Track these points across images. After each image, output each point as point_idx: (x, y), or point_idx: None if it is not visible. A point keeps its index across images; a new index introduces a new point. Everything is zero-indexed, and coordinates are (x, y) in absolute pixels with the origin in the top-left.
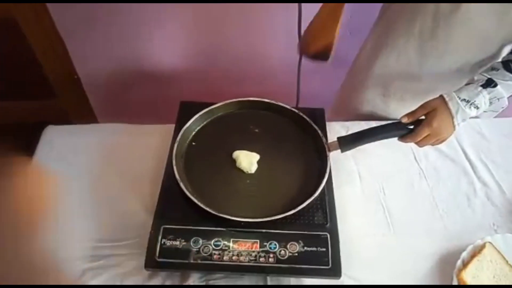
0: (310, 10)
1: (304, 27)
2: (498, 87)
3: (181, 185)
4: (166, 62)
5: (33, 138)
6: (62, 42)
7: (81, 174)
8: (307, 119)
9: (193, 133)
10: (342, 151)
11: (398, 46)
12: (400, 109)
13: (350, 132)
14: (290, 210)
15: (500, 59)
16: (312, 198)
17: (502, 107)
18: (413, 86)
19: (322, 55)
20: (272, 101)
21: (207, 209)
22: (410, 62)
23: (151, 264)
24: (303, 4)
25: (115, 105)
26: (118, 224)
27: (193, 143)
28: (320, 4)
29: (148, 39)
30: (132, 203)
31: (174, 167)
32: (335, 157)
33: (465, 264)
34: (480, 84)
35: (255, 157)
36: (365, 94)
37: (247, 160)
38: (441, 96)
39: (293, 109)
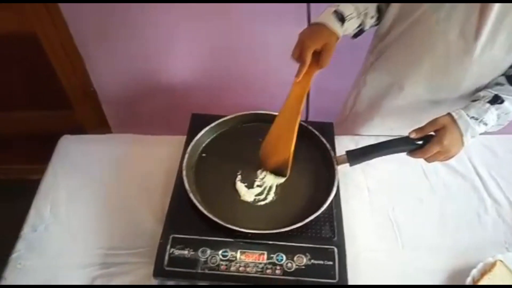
0: None
1: None
2: (505, 102)
3: (191, 195)
4: (179, 76)
5: (49, 147)
6: (79, 56)
7: (94, 183)
8: (316, 132)
9: (204, 144)
10: (350, 165)
11: (406, 85)
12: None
13: (359, 146)
14: (298, 222)
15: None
16: (320, 211)
17: (509, 120)
18: (423, 117)
19: (279, 171)
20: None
21: (215, 219)
22: (419, 98)
23: (160, 272)
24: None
25: (128, 116)
26: (129, 232)
27: (203, 155)
28: None
29: (162, 53)
30: (143, 212)
31: (184, 178)
32: (343, 170)
33: (475, 282)
34: (487, 100)
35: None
36: (370, 127)
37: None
38: (449, 114)
39: (302, 123)
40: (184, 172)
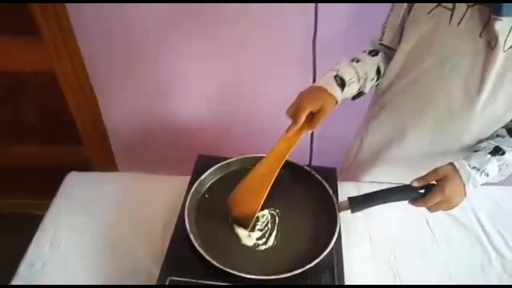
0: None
1: None
2: (506, 154)
3: (191, 236)
4: (187, 116)
5: (55, 182)
6: (93, 94)
7: (96, 221)
8: (319, 177)
9: (207, 185)
10: (352, 212)
11: (408, 137)
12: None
13: (361, 193)
14: (298, 268)
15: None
16: (320, 257)
17: (510, 172)
18: (426, 166)
19: (242, 223)
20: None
21: (214, 263)
22: (422, 149)
23: None
24: (317, 69)
25: (136, 155)
26: (127, 272)
27: (206, 196)
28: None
29: (172, 94)
30: (142, 252)
31: (186, 219)
32: (345, 217)
33: None
34: (488, 151)
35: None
36: (373, 175)
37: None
38: (451, 163)
39: (305, 167)
40: (186, 212)
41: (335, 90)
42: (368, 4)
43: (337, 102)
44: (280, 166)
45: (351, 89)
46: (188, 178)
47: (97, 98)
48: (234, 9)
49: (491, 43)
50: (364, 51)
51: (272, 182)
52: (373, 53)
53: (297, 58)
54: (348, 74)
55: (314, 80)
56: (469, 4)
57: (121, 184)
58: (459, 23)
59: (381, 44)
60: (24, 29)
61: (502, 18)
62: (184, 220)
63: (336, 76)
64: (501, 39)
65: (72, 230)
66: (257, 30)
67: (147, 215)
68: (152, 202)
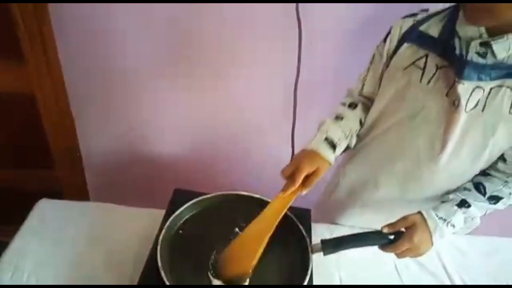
0: (303, 117)
1: (297, 130)
2: (472, 207)
3: (162, 273)
4: (165, 148)
5: (24, 208)
6: (72, 120)
7: (63, 252)
8: (293, 218)
9: (182, 221)
10: (324, 254)
11: (380, 184)
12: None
13: (334, 236)
14: None
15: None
16: None
17: (476, 225)
18: (398, 212)
19: (235, 281)
20: (261, 197)
21: None
22: (393, 196)
23: None
24: (298, 113)
25: (110, 185)
26: None
27: (181, 231)
28: None
29: (151, 126)
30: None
31: (158, 254)
32: (317, 259)
33: None
34: (455, 203)
35: None
36: (348, 215)
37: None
38: (419, 212)
39: None
40: (158, 248)
41: (328, 153)
42: (351, 53)
43: (330, 164)
44: (275, 225)
45: (341, 148)
46: (161, 212)
47: (75, 125)
48: (214, 46)
49: (455, 103)
50: (343, 104)
51: (267, 241)
52: (353, 106)
53: (276, 97)
54: (336, 135)
55: (293, 122)
56: (438, 66)
57: (94, 214)
58: (428, 82)
59: (361, 95)
60: (8, 50)
61: (464, 82)
62: (156, 255)
63: (326, 139)
64: (463, 101)
65: (38, 261)
66: (237, 67)
67: (119, 247)
68: (124, 234)
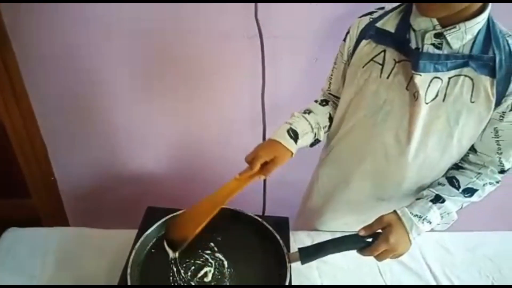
0: (273, 126)
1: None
2: (446, 202)
3: None
4: (142, 168)
5: None
6: (44, 146)
7: (33, 279)
8: (270, 228)
9: (154, 240)
10: (302, 263)
11: (352, 181)
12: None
13: (315, 242)
14: None
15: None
16: None
17: (453, 220)
18: (373, 212)
19: (173, 245)
20: (236, 209)
21: None
22: (366, 194)
23: None
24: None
25: (88, 208)
26: None
27: (153, 250)
28: None
29: (125, 147)
30: None
31: (128, 276)
32: (298, 268)
33: None
34: (429, 199)
35: None
36: (326, 220)
37: None
38: (394, 211)
39: (257, 218)
40: (128, 270)
41: (289, 143)
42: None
43: (292, 153)
44: (224, 203)
45: (305, 140)
46: (136, 231)
47: (47, 150)
48: (189, 69)
49: (415, 95)
50: (316, 101)
51: (212, 216)
52: (324, 102)
53: (247, 115)
54: (300, 126)
55: (264, 137)
56: (396, 60)
57: (64, 240)
58: (388, 77)
59: (330, 94)
60: None
61: (421, 73)
62: (126, 277)
63: (289, 130)
64: (421, 92)
65: None
66: (208, 87)
67: (89, 270)
68: (96, 258)
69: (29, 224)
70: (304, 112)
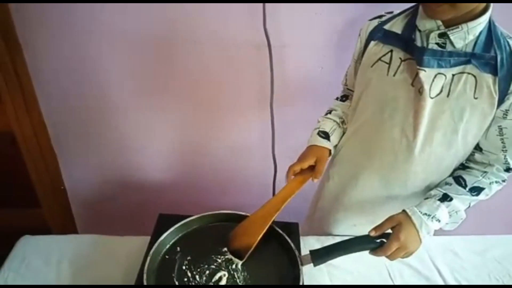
0: (282, 133)
1: (277, 145)
2: (454, 201)
3: None
4: (151, 176)
5: (9, 247)
6: (54, 155)
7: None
8: (281, 232)
9: (168, 246)
10: (314, 265)
11: (360, 178)
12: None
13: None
14: None
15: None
16: None
17: (462, 219)
18: (382, 212)
19: (238, 254)
20: (248, 215)
21: None
22: (375, 192)
23: None
24: (276, 129)
25: (97, 215)
26: None
27: (167, 257)
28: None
29: (134, 154)
30: None
31: (144, 282)
32: (310, 272)
33: None
34: (437, 198)
35: None
36: (335, 222)
37: None
38: (403, 210)
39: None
40: (144, 276)
41: (322, 143)
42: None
43: (330, 150)
44: (280, 210)
45: (337, 136)
46: (148, 238)
47: (57, 160)
48: (196, 79)
49: (420, 91)
50: (336, 98)
51: (271, 221)
52: (344, 98)
53: (255, 114)
54: (327, 126)
55: (273, 147)
56: (402, 59)
57: (78, 246)
58: (394, 74)
59: (348, 88)
60: None
61: (425, 69)
62: (142, 284)
63: (319, 132)
64: (426, 86)
65: None
66: (216, 95)
67: (104, 277)
68: (110, 264)
69: (39, 233)
70: (326, 114)
